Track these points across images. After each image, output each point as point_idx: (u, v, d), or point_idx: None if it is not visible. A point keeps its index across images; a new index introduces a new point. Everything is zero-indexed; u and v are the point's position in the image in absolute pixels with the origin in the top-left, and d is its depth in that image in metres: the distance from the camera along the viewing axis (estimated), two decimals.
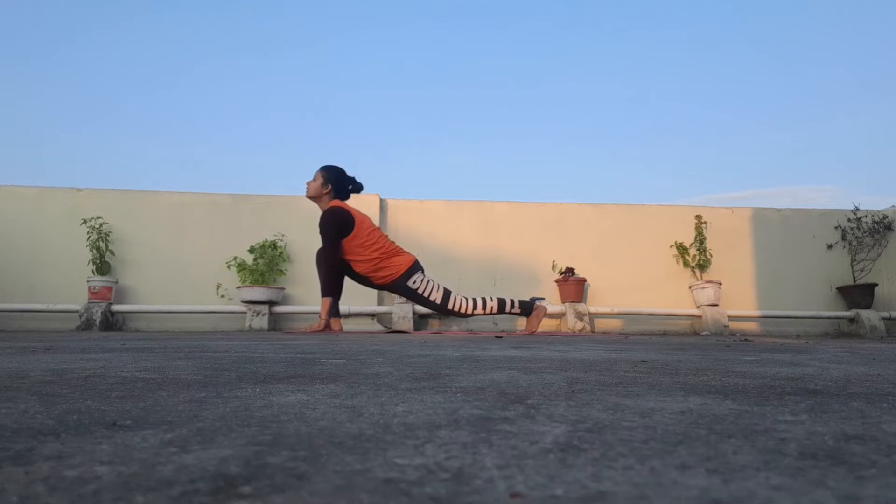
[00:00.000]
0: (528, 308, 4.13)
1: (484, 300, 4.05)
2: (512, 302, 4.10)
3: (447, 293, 4.03)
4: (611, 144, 12.47)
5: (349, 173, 4.14)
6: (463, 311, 4.02)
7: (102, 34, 11.00)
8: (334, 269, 3.93)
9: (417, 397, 0.72)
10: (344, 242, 3.91)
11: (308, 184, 4.07)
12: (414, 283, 3.98)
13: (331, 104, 12.47)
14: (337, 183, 4.03)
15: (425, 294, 3.99)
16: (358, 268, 4.00)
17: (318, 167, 4.07)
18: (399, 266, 3.97)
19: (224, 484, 0.35)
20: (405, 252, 4.08)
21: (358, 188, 4.16)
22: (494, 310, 4.06)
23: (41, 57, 10.63)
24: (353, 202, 5.78)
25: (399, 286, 3.99)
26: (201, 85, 11.74)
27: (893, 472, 0.38)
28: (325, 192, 4.01)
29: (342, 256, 3.96)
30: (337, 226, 3.87)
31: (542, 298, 4.35)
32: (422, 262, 4.13)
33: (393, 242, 4.07)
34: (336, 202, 4.00)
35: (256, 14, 11.64)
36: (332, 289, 3.94)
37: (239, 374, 0.98)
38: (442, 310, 4.05)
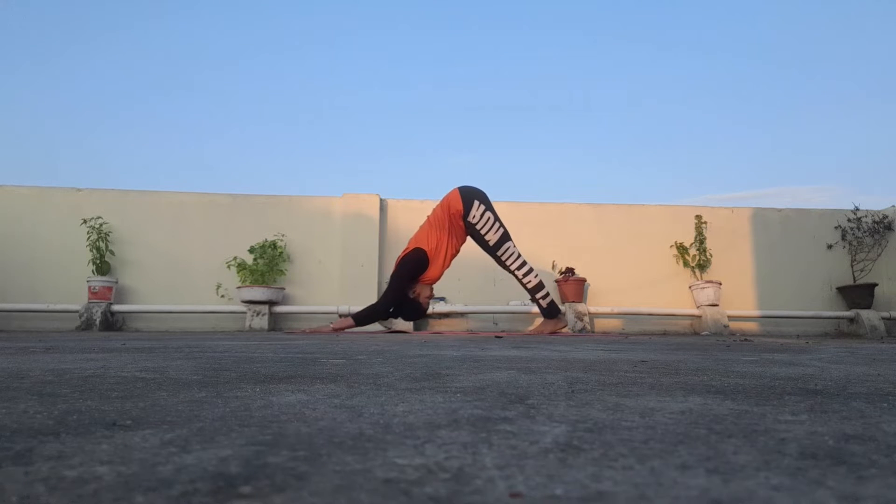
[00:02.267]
0: (553, 311, 4.10)
1: (531, 270, 4.04)
2: (547, 294, 4.06)
3: (505, 238, 4.02)
4: (611, 145, 12.48)
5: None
6: (509, 263, 4.02)
7: (104, 37, 11.00)
8: (384, 311, 4.03)
9: (417, 397, 0.72)
10: (433, 268, 4.02)
11: (429, 294, 4.17)
12: (473, 218, 3.98)
13: (331, 104, 12.48)
14: (408, 283, 4.08)
15: (482, 232, 4.00)
16: (458, 248, 4.11)
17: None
18: (454, 216, 3.99)
19: (224, 484, 0.34)
20: (447, 197, 4.07)
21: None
22: (530, 285, 4.03)
23: (42, 58, 10.63)
24: (354, 202, 5.80)
25: (467, 226, 4.03)
26: (202, 86, 11.74)
27: (893, 472, 0.38)
28: (415, 284, 4.07)
29: (446, 265, 4.08)
30: (413, 267, 3.97)
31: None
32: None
33: (436, 209, 4.10)
34: (417, 253, 4.02)
35: (257, 17, 11.64)
36: (365, 320, 4.03)
37: (239, 374, 0.98)
38: (492, 253, 4.05)
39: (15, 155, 10.39)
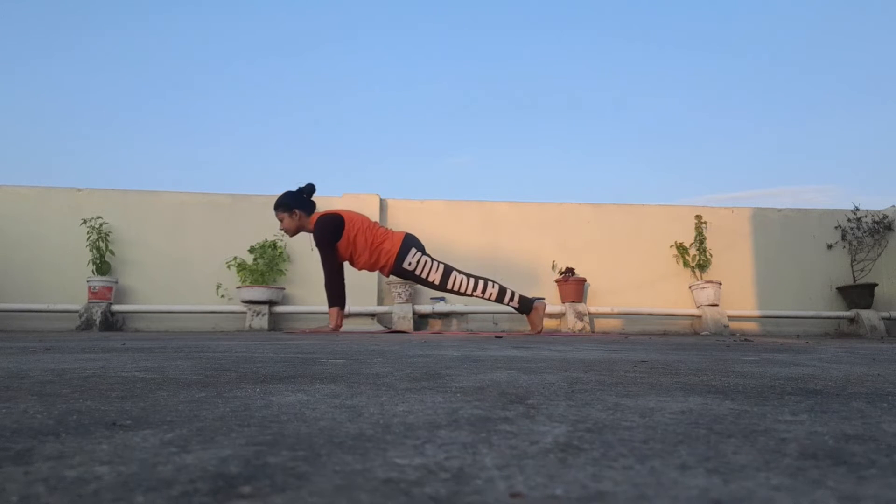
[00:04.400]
0: (527, 305, 4.09)
1: (486, 284, 4.01)
2: (512, 294, 4.05)
3: (447, 272, 3.98)
4: (611, 145, 12.47)
5: (306, 185, 4.15)
6: (462, 290, 3.98)
7: (104, 36, 11.00)
8: (335, 280, 3.96)
9: (417, 397, 0.72)
10: (340, 245, 3.94)
11: (282, 228, 4.10)
12: (409, 265, 3.95)
13: (331, 104, 12.48)
14: (297, 203, 4.04)
15: (423, 276, 3.97)
16: (358, 264, 4.03)
17: (274, 210, 4.10)
18: (390, 251, 3.96)
19: (224, 484, 0.34)
20: (393, 233, 4.05)
21: (311, 189, 4.13)
22: (493, 297, 4.01)
23: (42, 58, 10.63)
24: (354, 202, 5.81)
25: (398, 271, 4.00)
26: (202, 86, 11.74)
27: (893, 472, 0.38)
28: (298, 219, 4.03)
29: (341, 259, 4.00)
30: (330, 232, 3.91)
31: (542, 298, 4.34)
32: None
33: (382, 228, 4.06)
34: (315, 215, 4.03)
35: (257, 17, 11.64)
36: (336, 299, 3.97)
37: (239, 374, 0.98)
38: (442, 290, 4.03)
39: (15, 155, 10.39)
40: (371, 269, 4.08)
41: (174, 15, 11.07)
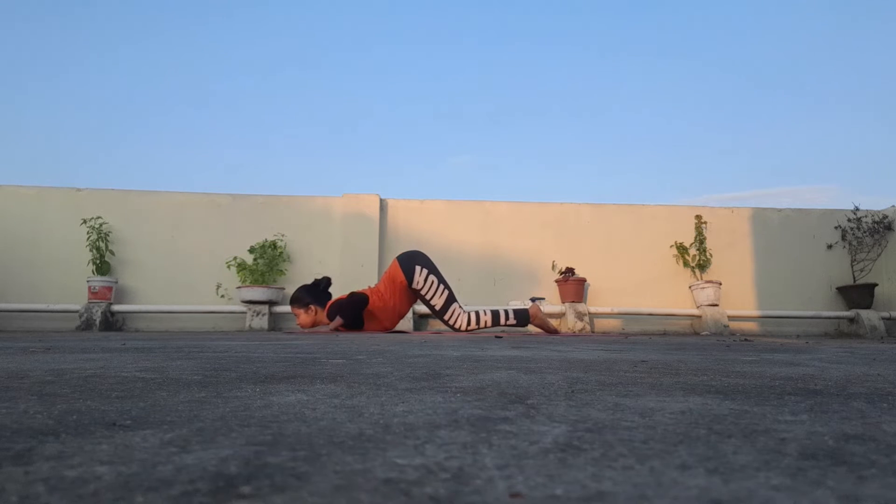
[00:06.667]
0: (523, 317, 4.10)
1: (478, 314, 4.04)
2: (506, 313, 4.07)
3: (449, 301, 4.00)
4: (611, 144, 12.47)
5: (322, 278, 4.28)
6: (457, 326, 4.01)
7: (104, 38, 11.01)
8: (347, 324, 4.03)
9: (417, 397, 0.72)
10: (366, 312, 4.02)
11: (299, 323, 4.17)
12: (417, 284, 3.98)
13: (331, 105, 12.48)
14: (313, 298, 4.12)
15: (427, 296, 4.00)
16: (400, 314, 4.11)
17: (290, 305, 4.21)
18: (402, 282, 3.99)
19: (224, 484, 0.34)
20: (388, 269, 4.11)
21: (327, 283, 4.23)
22: (489, 323, 4.05)
23: (42, 59, 10.64)
24: (354, 202, 5.81)
25: (414, 292, 4.05)
26: (202, 87, 11.74)
27: (893, 472, 0.38)
28: (315, 314, 4.11)
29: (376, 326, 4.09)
30: (353, 305, 3.95)
31: (542, 298, 4.34)
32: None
33: (383, 278, 4.12)
34: (329, 303, 4.07)
35: (258, 21, 11.65)
36: (349, 324, 4.04)
37: (239, 374, 0.98)
38: (439, 317, 4.06)
39: (15, 155, 10.40)
40: (409, 307, 4.14)
41: (173, 18, 11.07)
